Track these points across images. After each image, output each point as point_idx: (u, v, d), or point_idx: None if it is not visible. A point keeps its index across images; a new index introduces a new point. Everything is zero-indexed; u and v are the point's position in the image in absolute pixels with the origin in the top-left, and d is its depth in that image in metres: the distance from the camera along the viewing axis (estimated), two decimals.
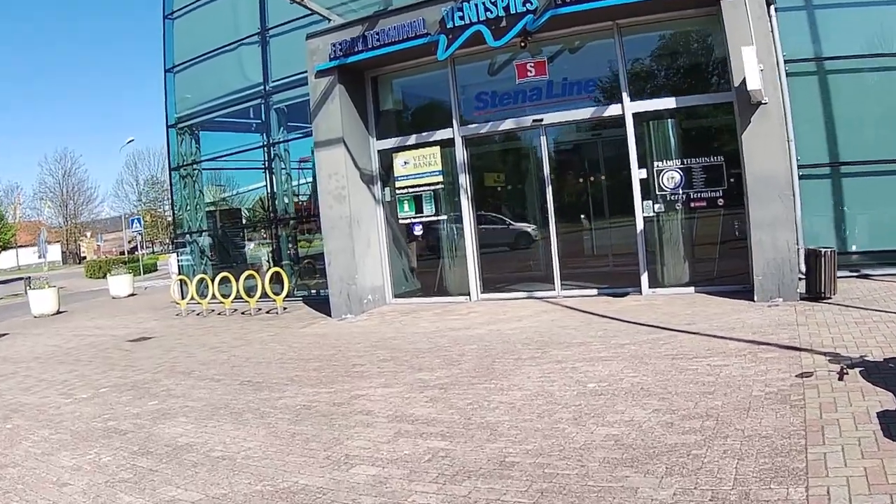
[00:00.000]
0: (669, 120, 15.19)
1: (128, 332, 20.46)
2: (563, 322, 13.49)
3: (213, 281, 21.68)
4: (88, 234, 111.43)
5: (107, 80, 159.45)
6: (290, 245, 23.81)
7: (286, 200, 23.88)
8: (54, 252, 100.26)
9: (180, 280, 23.91)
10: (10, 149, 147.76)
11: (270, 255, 25.02)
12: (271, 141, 23.44)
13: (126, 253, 73.39)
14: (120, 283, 35.18)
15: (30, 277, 34.48)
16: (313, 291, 22.58)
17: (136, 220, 44.54)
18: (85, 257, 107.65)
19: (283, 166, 23.64)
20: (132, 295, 34.99)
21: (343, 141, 17.57)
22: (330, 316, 17.79)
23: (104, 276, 54.84)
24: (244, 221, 27.29)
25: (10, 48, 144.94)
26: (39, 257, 60.59)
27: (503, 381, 9.73)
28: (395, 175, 18.12)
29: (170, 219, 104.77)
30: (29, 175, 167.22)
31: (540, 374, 9.82)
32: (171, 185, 26.67)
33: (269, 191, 24.94)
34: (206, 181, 26.42)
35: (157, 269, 56.95)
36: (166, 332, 19.34)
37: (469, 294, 17.58)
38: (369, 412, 9.07)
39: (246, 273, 20.78)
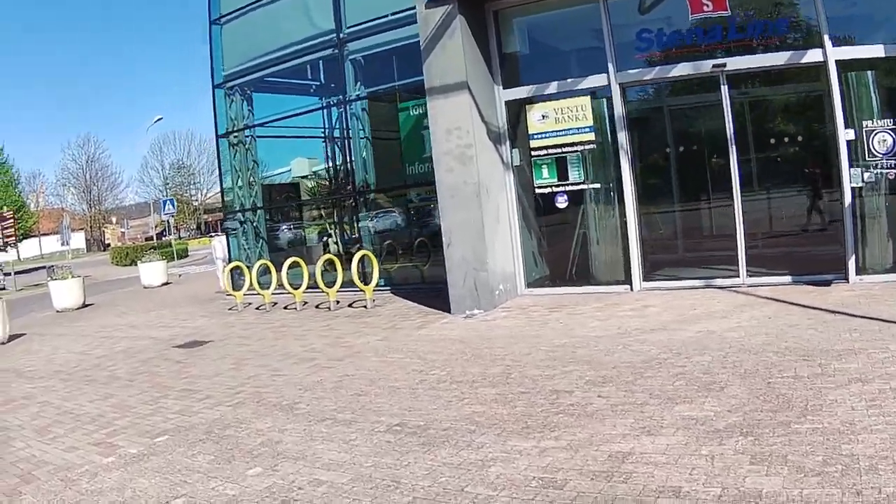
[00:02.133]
0: (870, 72, 11.72)
1: (172, 333, 15.94)
2: (785, 319, 9.81)
3: (276, 267, 17.67)
4: (114, 219, 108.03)
5: (131, 60, 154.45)
6: (370, 223, 19.11)
7: (366, 170, 18.78)
8: (78, 239, 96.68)
9: (235, 267, 19.19)
10: (31, 136, 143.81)
11: (337, 235, 20.87)
12: (347, 98, 18.61)
13: (155, 238, 68.60)
14: (152, 270, 30.54)
15: (52, 266, 30.22)
16: (393, 278, 18.40)
17: (168, 202, 40.00)
18: (109, 244, 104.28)
19: (362, 130, 18.71)
20: (166, 284, 30.50)
21: (467, 86, 13.19)
22: (446, 311, 13.68)
23: (132, 264, 50.66)
24: (304, 197, 23.11)
25: (29, 29, 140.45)
26: (62, 244, 56.56)
27: (827, 419, 6.01)
28: (530, 132, 13.87)
29: (196, 204, 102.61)
30: (51, 161, 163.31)
31: (864, 403, 6.24)
32: (218, 154, 21.85)
33: (331, 162, 21.62)
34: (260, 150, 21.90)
35: (188, 255, 52.23)
36: (226, 334, 14.87)
37: (629, 282, 13.36)
38: (698, 499, 4.82)
39: (324, 258, 16.42)
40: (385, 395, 8.62)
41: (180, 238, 58.43)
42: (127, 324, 18.64)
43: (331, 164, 21.73)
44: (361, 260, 16.20)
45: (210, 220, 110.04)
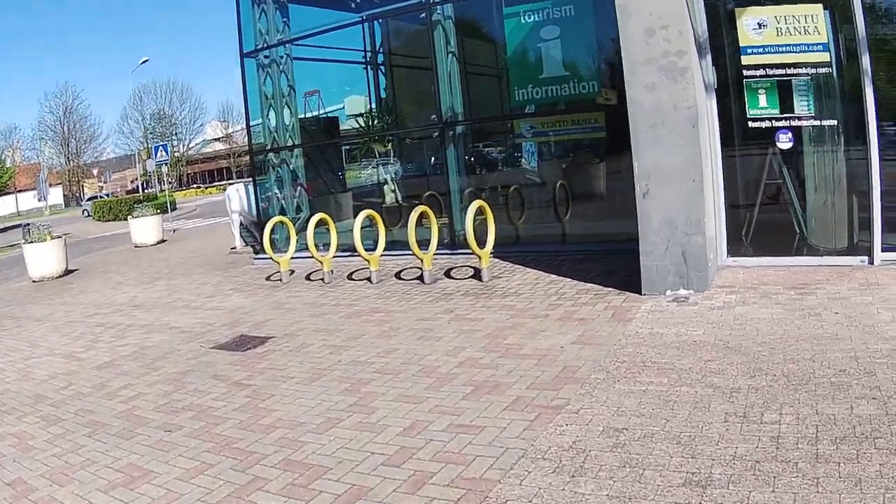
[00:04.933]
0: None
1: (202, 319, 10.97)
2: None
3: (333, 227, 12.85)
4: (95, 171, 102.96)
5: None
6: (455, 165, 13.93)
7: (452, 97, 13.63)
8: (56, 195, 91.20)
9: (278, 223, 14.23)
10: (7, 88, 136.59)
11: (395, 183, 15.98)
12: (430, 1, 13.35)
13: (141, 190, 63.10)
14: (145, 226, 25.40)
15: (28, 224, 25.43)
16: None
17: (161, 148, 34.22)
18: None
19: (449, 45, 13.52)
20: (162, 241, 25.32)
21: None
22: (620, 288, 9.31)
23: (115, 219, 45.65)
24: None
25: None
26: (39, 200, 51.70)
27: None
28: (742, 45, 9.36)
29: (178, 155, 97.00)
30: (28, 115, 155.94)
31: None
32: (243, 78, 16.07)
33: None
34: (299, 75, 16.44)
35: (176, 208, 47.06)
36: (290, 325, 9.85)
37: (868, 253, 9.05)
38: None
39: (418, 210, 11.22)
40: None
41: (163, 191, 52.97)
42: (128, 301, 13.55)
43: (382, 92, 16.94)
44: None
45: (191, 172, 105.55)
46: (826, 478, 4.14)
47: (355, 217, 12.17)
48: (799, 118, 9.24)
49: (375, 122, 17.14)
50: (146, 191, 64.09)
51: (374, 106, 17.09)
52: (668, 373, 6.11)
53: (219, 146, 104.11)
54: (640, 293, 8.87)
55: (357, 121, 17.30)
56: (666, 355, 6.56)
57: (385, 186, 15.92)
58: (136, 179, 75.23)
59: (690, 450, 4.69)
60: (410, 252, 11.43)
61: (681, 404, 5.42)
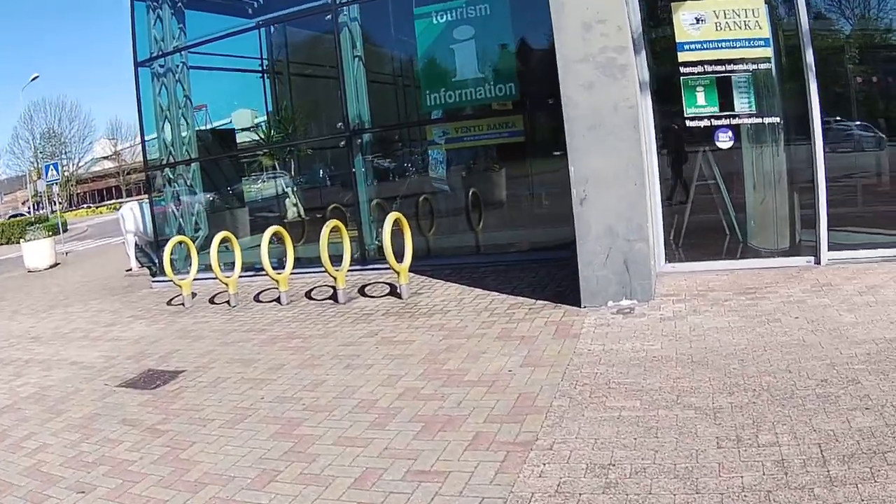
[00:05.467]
0: None
1: (104, 352, 9.90)
2: None
3: (237, 245, 12.15)
4: None
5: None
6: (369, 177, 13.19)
7: (359, 103, 12.84)
8: None
9: (179, 244, 13.28)
10: None
11: (297, 196, 15.00)
12: (337, 2, 12.49)
13: (33, 212, 60.51)
14: (38, 250, 23.90)
15: None
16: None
17: (52, 167, 32.39)
18: None
19: (356, 49, 12.74)
20: (55, 265, 23.84)
21: None
22: (555, 301, 8.66)
23: (7, 243, 43.83)
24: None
25: None
26: None
27: None
28: (679, 40, 8.82)
29: (67, 175, 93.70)
30: None
31: None
32: (137, 90, 14.86)
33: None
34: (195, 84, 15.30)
35: (67, 230, 45.25)
36: (201, 355, 8.97)
37: (814, 253, 8.61)
38: None
39: (330, 225, 10.42)
40: None
41: (54, 211, 50.63)
42: (25, 333, 12.37)
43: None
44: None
45: (81, 191, 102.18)
46: (848, 503, 3.70)
47: (253, 234, 11.31)
48: (739, 116, 8.75)
49: (274, 132, 16.14)
50: (37, 212, 61.48)
51: (271, 115, 16.12)
52: (638, 395, 5.51)
53: (108, 164, 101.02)
54: (580, 305, 8.25)
55: (256, 132, 16.27)
56: (629, 374, 5.96)
57: (287, 200, 14.94)
58: (28, 200, 72.05)
59: (692, 484, 4.11)
60: (318, 269, 10.81)
61: (664, 430, 4.83)
